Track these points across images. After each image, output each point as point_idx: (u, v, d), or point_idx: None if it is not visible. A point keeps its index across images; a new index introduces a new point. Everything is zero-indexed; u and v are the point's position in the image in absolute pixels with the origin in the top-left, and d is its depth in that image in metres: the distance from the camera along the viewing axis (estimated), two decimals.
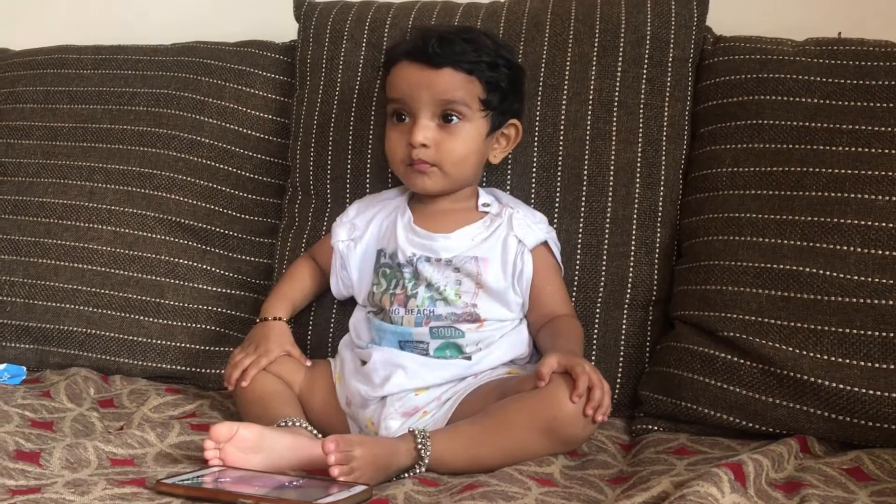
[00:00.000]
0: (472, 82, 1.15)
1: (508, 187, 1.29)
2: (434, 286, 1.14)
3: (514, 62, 1.21)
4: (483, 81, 1.16)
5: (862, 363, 1.06)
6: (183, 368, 1.34)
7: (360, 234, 1.24)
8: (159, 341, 1.34)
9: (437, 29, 1.21)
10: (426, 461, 0.97)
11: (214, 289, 1.38)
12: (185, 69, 1.48)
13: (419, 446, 0.97)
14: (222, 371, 1.32)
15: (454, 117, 1.15)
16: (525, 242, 1.17)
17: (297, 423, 1.05)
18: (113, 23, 1.70)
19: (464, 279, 1.15)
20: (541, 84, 1.29)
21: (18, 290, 1.38)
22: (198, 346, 1.34)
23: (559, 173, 1.27)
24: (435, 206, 1.21)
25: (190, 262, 1.38)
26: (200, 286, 1.37)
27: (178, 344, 1.34)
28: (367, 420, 1.11)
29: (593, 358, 1.23)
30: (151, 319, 1.35)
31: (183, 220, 1.40)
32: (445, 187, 1.18)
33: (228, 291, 1.39)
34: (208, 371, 1.33)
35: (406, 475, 0.97)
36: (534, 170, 1.28)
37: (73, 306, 1.36)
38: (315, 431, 1.06)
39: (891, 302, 1.07)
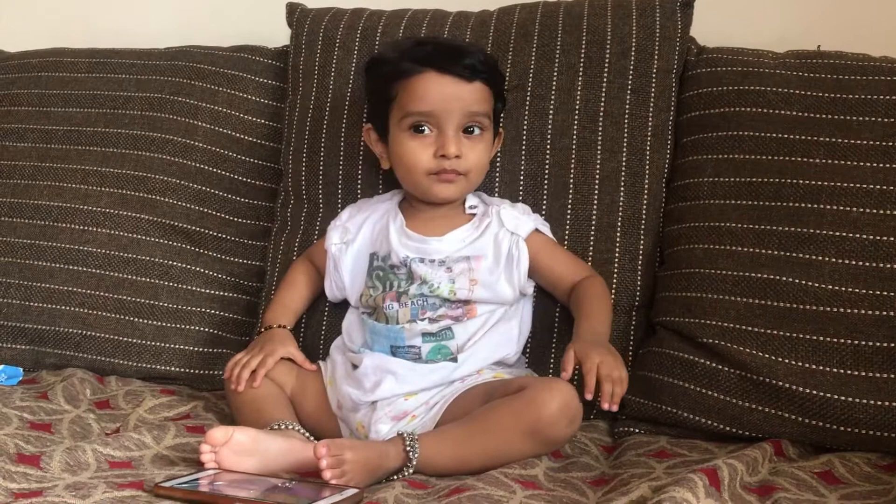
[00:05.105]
0: (490, 94, 1.21)
1: (496, 195, 1.31)
2: (428, 283, 1.17)
3: (501, 69, 1.29)
4: (494, 92, 1.22)
5: (835, 370, 1.09)
6: (177, 369, 1.36)
7: (353, 237, 1.27)
8: (153, 343, 1.37)
9: (453, 41, 1.30)
10: (414, 463, 1.01)
11: (208, 291, 1.40)
12: (179, 73, 1.50)
13: (408, 449, 1.01)
14: (215, 372, 1.35)
15: (476, 128, 1.19)
16: (518, 233, 1.21)
17: (290, 426, 1.08)
18: (108, 26, 1.72)
19: (457, 277, 1.18)
20: (528, 94, 1.32)
21: (14, 291, 1.40)
22: (191, 348, 1.37)
23: (546, 182, 1.31)
24: (427, 210, 1.24)
25: (183, 265, 1.41)
26: (194, 288, 1.40)
27: (172, 345, 1.37)
28: (358, 423, 1.14)
29: None
30: (146, 321, 1.37)
31: (176, 223, 1.42)
32: (463, 194, 1.23)
33: (221, 293, 1.41)
34: (202, 372, 1.36)
35: (395, 477, 1.01)
36: (521, 178, 1.31)
37: (68, 308, 1.38)
38: (307, 434, 1.09)
39: (863, 311, 1.10)
